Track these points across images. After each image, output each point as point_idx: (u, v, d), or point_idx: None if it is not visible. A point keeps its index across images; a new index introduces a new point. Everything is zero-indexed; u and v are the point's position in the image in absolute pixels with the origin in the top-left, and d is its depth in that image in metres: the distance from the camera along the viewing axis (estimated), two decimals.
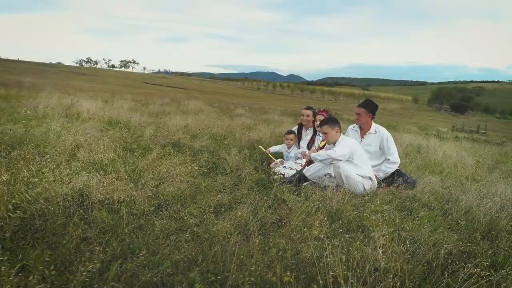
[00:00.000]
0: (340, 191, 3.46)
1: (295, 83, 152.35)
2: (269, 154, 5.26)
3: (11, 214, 2.12)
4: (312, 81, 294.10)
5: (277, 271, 1.89)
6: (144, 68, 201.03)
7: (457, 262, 2.09)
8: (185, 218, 2.56)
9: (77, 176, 2.80)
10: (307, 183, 4.11)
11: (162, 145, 5.33)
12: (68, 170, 2.90)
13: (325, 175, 3.98)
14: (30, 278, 1.62)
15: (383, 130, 4.78)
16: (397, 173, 4.58)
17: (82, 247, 2.02)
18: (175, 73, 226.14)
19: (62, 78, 51.72)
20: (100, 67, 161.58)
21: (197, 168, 3.74)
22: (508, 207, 3.34)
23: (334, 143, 4.21)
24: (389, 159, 4.64)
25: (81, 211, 2.48)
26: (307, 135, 5.48)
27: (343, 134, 4.46)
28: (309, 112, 5.49)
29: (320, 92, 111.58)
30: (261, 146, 5.57)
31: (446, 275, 1.92)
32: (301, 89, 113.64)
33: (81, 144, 4.35)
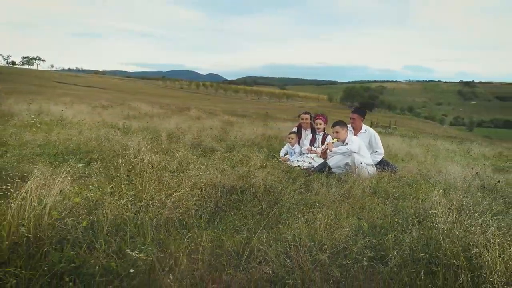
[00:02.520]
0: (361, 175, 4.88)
1: (216, 82, 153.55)
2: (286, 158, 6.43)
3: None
4: (232, 80, 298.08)
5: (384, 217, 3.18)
6: (52, 66, 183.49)
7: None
8: (291, 195, 3.70)
9: (204, 172, 3.73)
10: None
11: (193, 146, 6.23)
12: (194, 167, 3.80)
13: (346, 164, 5.37)
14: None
15: (371, 130, 6.35)
16: (383, 162, 6.17)
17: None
18: (87, 71, 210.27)
19: None
20: None
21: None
22: (468, 179, 5.07)
23: (343, 141, 5.62)
24: (377, 151, 6.21)
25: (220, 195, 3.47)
26: (307, 135, 6.81)
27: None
28: (308, 116, 6.85)
29: (243, 92, 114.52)
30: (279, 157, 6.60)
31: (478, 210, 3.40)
32: (224, 88, 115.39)
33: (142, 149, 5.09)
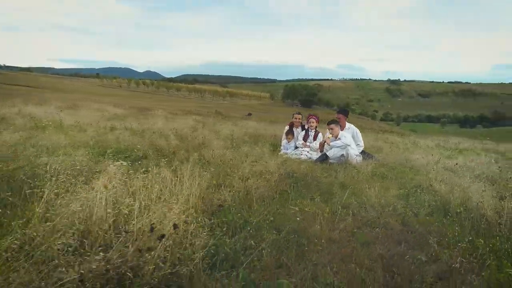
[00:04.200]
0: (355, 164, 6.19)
1: (158, 80, 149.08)
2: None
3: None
4: (171, 78, 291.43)
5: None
6: None
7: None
8: (322, 178, 4.85)
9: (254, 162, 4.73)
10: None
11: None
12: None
13: (342, 155, 6.64)
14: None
15: (353, 126, 7.72)
16: (366, 153, 7.56)
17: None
18: (11, 68, 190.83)
19: None
20: None
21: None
22: (430, 162, 6.61)
23: (336, 137, 6.90)
24: (358, 144, 7.58)
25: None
26: (299, 132, 7.99)
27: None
28: (300, 116, 8.09)
29: (185, 90, 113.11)
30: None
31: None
32: (166, 86, 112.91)
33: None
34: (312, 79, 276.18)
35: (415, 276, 2.11)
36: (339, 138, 6.85)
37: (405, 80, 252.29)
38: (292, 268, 2.11)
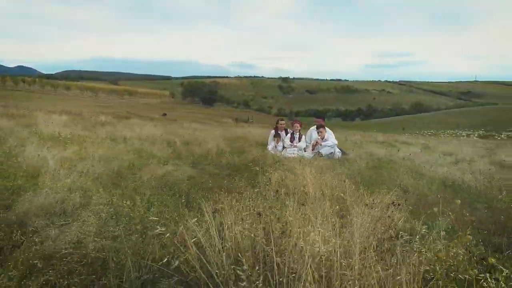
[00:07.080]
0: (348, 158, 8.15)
1: (39, 77, 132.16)
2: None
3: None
4: (51, 74, 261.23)
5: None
6: None
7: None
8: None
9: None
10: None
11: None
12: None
13: (331, 153, 8.50)
14: None
15: (328, 129, 9.66)
16: (339, 148, 9.57)
17: None
18: None
19: None
20: None
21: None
22: (388, 153, 8.93)
23: (322, 138, 8.76)
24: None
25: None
26: (284, 135, 9.62)
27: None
28: (284, 122, 9.74)
29: (76, 88, 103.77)
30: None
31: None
32: (53, 85, 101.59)
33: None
34: (208, 76, 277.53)
35: (483, 212, 4.02)
36: (326, 139, 8.73)
37: (294, 78, 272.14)
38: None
